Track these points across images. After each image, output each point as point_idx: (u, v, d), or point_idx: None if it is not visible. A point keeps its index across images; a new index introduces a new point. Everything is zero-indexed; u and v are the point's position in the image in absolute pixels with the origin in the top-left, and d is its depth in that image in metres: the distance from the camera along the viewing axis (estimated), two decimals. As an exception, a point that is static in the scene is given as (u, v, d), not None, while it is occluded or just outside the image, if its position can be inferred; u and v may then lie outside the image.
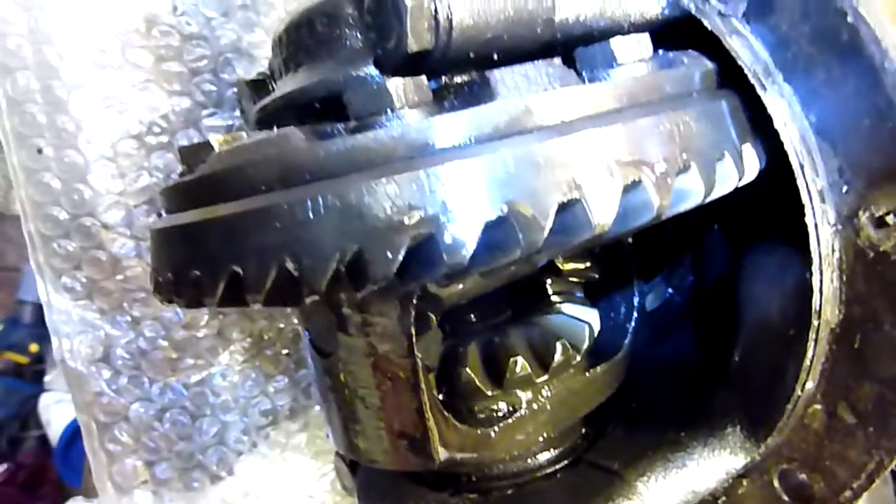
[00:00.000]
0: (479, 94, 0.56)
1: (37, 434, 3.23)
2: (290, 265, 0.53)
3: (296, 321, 1.21)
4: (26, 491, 3.22)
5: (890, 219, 0.64)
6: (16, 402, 3.29)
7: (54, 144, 1.05)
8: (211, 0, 1.10)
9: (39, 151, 1.05)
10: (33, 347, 3.36)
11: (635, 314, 0.87)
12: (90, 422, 1.09)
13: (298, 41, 0.71)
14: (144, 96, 1.09)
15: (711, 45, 0.68)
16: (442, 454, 0.69)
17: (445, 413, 0.70)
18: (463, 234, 0.50)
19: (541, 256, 0.70)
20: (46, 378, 3.05)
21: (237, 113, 1.13)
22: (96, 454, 1.10)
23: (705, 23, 0.68)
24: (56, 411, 3.01)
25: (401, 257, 0.50)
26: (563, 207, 0.51)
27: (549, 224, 0.50)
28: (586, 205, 0.51)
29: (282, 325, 1.20)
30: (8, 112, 1.04)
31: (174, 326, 1.12)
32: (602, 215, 0.51)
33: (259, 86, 0.88)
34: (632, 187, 0.53)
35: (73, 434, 2.89)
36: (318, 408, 1.23)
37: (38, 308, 3.40)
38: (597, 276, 0.89)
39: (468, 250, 0.50)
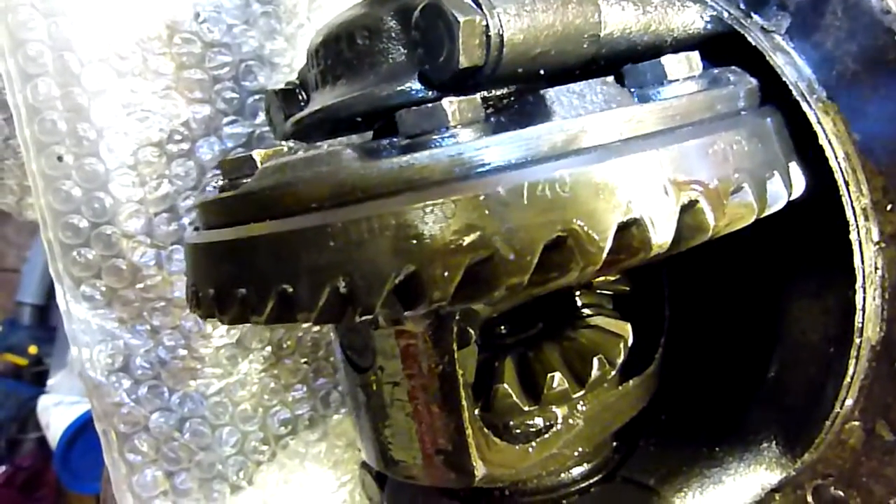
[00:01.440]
0: (533, 112, 0.55)
1: (35, 436, 3.21)
2: (342, 285, 0.52)
3: (315, 330, 1.20)
4: (25, 493, 3.20)
5: (933, 237, 0.64)
6: (14, 404, 3.27)
7: (75, 152, 1.04)
8: (233, 8, 1.10)
9: (60, 159, 1.04)
10: (32, 349, 3.35)
11: (665, 327, 0.87)
12: (110, 431, 1.08)
13: (337, 54, 0.71)
14: (165, 104, 1.08)
15: (753, 61, 0.68)
16: (481, 470, 0.69)
17: (485, 429, 0.69)
18: (521, 255, 0.49)
19: (598, 275, 0.70)
20: (50, 381, 3.03)
21: (258, 120, 1.12)
22: (116, 464, 1.09)
23: (749, 38, 0.68)
24: (55, 413, 2.99)
25: (459, 278, 0.50)
26: (622, 227, 0.51)
27: (608, 245, 0.50)
28: (645, 225, 0.51)
29: (300, 335, 1.19)
30: (28, 119, 1.03)
31: (194, 336, 1.11)
32: (660, 235, 0.51)
33: (288, 95, 0.87)
34: (688, 207, 0.53)
35: (72, 437, 2.88)
36: (336, 417, 1.22)
37: (37, 310, 3.40)
38: (627, 288, 0.89)
39: (527, 271, 0.49)
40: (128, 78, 1.06)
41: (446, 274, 0.50)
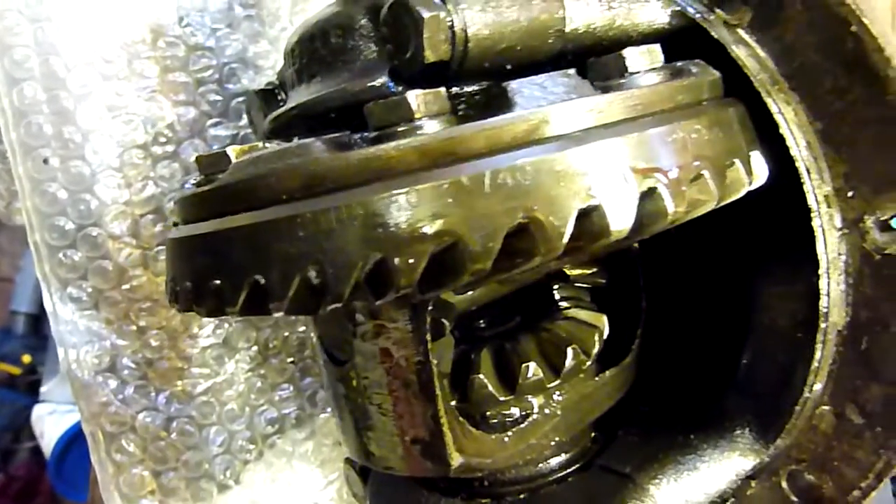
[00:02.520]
0: (496, 104, 0.57)
1: (30, 445, 3.21)
2: (313, 274, 0.53)
3: (301, 329, 1.21)
4: (19, 502, 3.19)
5: (895, 223, 0.66)
6: (8, 413, 3.27)
7: (60, 155, 1.06)
8: (216, 11, 1.11)
9: (45, 162, 1.06)
10: (26, 358, 3.34)
11: (642, 318, 0.88)
12: (97, 432, 1.09)
13: (312, 52, 0.72)
14: (150, 106, 1.09)
15: (717, 54, 0.70)
16: (457, 460, 0.70)
17: (460, 419, 0.71)
18: (484, 242, 0.51)
19: (560, 263, 0.71)
20: (43, 389, 3.03)
21: (242, 122, 1.14)
22: (103, 464, 1.09)
23: (712, 32, 0.70)
24: (49, 422, 2.99)
25: (423, 265, 0.51)
26: (582, 214, 0.52)
27: (568, 231, 0.51)
28: (604, 211, 0.52)
29: (287, 334, 1.21)
30: (14, 123, 1.04)
31: (180, 336, 1.13)
32: (620, 221, 0.52)
33: (268, 96, 0.89)
34: (648, 194, 0.54)
35: (66, 445, 2.88)
36: (323, 416, 1.23)
37: (31, 319, 3.40)
38: (604, 281, 0.91)
39: (491, 257, 0.51)
40: (113, 81, 1.07)
41: (412, 261, 0.51)
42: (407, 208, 0.51)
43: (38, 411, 3.06)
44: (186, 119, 1.11)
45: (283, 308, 0.55)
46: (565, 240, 0.51)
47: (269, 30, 1.14)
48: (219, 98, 1.12)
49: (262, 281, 0.55)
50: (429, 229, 0.51)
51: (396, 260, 0.51)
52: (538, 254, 0.51)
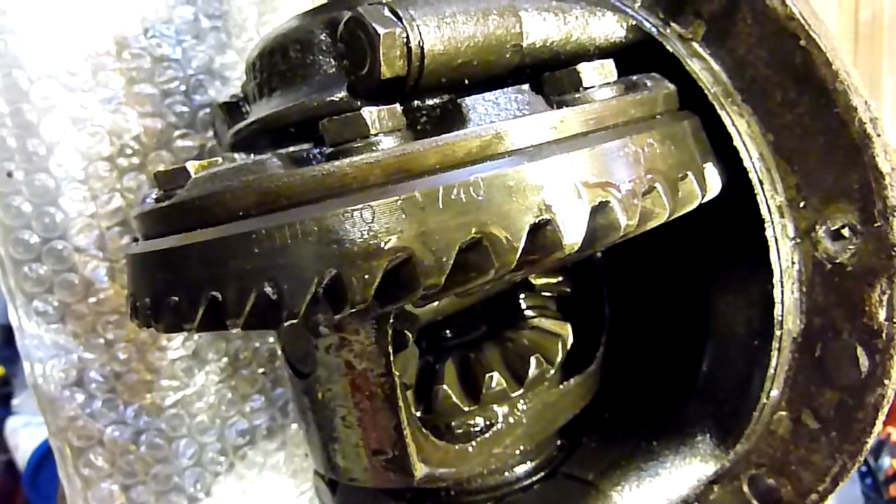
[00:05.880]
0: (451, 120, 0.57)
1: (4, 458, 3.16)
2: (269, 290, 0.54)
3: (272, 340, 1.21)
4: (-6, 516, 3.14)
5: (846, 232, 0.67)
6: (-20, 425, 3.22)
7: (25, 168, 1.05)
8: (182, 23, 1.11)
9: (10, 175, 1.04)
10: (-1, 370, 3.30)
11: (606, 326, 0.89)
12: (64, 447, 1.08)
13: (272, 67, 0.73)
14: (116, 118, 1.08)
15: (672, 68, 0.71)
16: (420, 470, 0.70)
17: (423, 430, 0.71)
18: (437, 257, 0.51)
19: (514, 276, 0.72)
20: (14, 401, 2.98)
21: (209, 134, 1.13)
22: (71, 479, 1.08)
23: (667, 46, 0.71)
24: (24, 435, 2.95)
25: (378, 280, 0.51)
26: (535, 229, 0.53)
27: (521, 245, 0.52)
28: (556, 226, 0.53)
29: (258, 345, 1.20)
30: (-23, 137, 1.03)
31: (149, 348, 1.12)
32: (572, 235, 0.53)
33: (233, 108, 0.89)
34: (599, 208, 0.55)
35: (41, 458, 2.83)
36: (295, 426, 1.23)
37: (4, 330, 3.34)
38: (569, 290, 0.92)
39: (444, 272, 0.51)
40: (77, 93, 1.07)
41: (367, 277, 0.51)
42: (361, 224, 0.52)
43: (12, 423, 3.01)
44: (153, 131, 1.10)
45: (240, 324, 0.55)
46: (518, 254, 0.52)
47: (236, 41, 1.14)
48: (185, 109, 1.12)
49: (219, 297, 0.56)
50: (382, 245, 0.51)
51: (351, 275, 0.51)
52: (492, 268, 0.52)
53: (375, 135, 0.55)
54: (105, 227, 1.09)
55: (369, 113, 0.55)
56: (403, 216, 0.51)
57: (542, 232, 0.53)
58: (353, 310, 0.52)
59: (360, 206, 0.52)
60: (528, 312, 0.90)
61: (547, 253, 0.53)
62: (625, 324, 0.88)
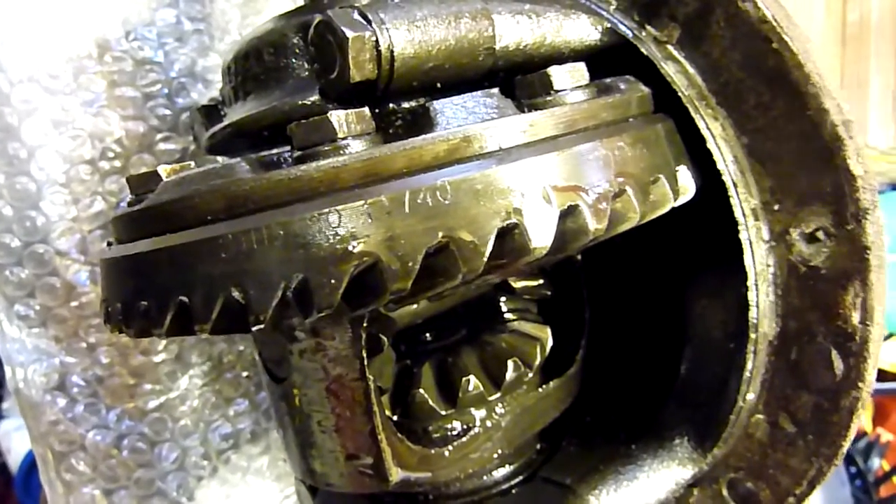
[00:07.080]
0: (419, 123, 0.57)
1: (-3, 463, 3.15)
2: (236, 294, 0.53)
3: (256, 343, 1.20)
4: (-14, 520, 3.13)
5: (820, 235, 0.67)
6: (-28, 430, 3.20)
7: (6, 171, 1.04)
8: (164, 26, 1.11)
9: (-10, 179, 1.04)
10: (-10, 373, 3.29)
11: (586, 329, 0.89)
12: (46, 452, 1.08)
13: (246, 70, 0.72)
14: (97, 121, 1.08)
15: (647, 71, 0.71)
16: (396, 475, 0.70)
17: (399, 434, 0.71)
18: (404, 261, 0.51)
19: (482, 280, 0.72)
20: (4, 405, 2.97)
21: (192, 137, 1.13)
22: (53, 484, 1.08)
23: (641, 49, 0.71)
24: (16, 438, 2.94)
25: (344, 285, 0.51)
26: (502, 233, 0.52)
27: (488, 250, 0.52)
28: (524, 230, 0.53)
29: (242, 348, 1.20)
30: (-43, 141, 1.03)
31: (131, 352, 1.11)
32: (540, 239, 0.53)
33: (211, 111, 0.89)
34: (568, 212, 0.55)
35: (33, 462, 2.82)
36: (279, 430, 1.23)
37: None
38: (549, 293, 0.91)
39: (410, 277, 0.51)
40: (59, 96, 1.06)
41: (333, 281, 0.51)
42: (327, 229, 0.51)
43: (4, 427, 3.01)
44: (135, 134, 1.10)
45: (207, 329, 0.55)
46: (485, 258, 0.52)
47: (219, 44, 1.14)
48: (168, 112, 1.12)
49: (187, 302, 0.55)
50: (349, 249, 0.51)
51: (317, 280, 0.51)
52: (459, 273, 0.52)
53: (343, 138, 0.55)
54: (87, 231, 1.09)
55: (337, 117, 0.55)
56: (370, 221, 0.51)
57: (510, 236, 0.53)
58: (321, 314, 0.52)
59: (327, 210, 0.51)
60: (509, 315, 0.90)
61: (515, 257, 0.53)
62: (605, 327, 0.88)
